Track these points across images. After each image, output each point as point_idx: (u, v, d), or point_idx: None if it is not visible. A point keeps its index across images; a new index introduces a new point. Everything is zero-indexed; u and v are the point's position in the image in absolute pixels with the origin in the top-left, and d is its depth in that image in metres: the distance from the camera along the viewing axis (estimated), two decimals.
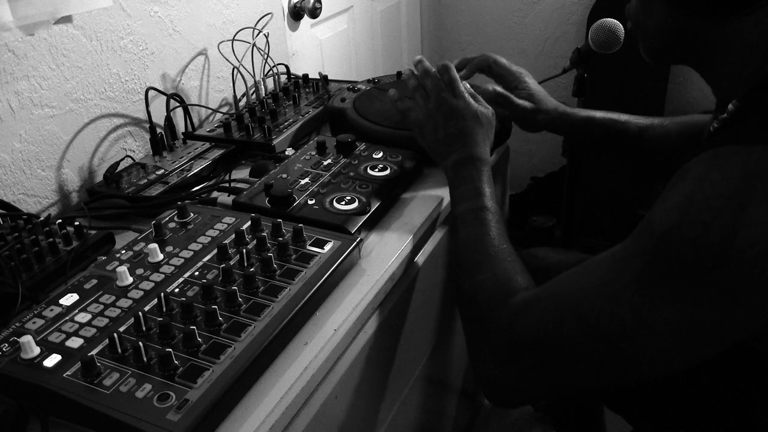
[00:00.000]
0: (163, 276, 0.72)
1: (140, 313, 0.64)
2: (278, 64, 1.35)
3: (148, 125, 1.12)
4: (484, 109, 0.90)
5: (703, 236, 0.53)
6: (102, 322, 0.66)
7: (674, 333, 0.56)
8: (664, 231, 0.56)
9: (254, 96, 1.28)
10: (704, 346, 0.57)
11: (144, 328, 0.64)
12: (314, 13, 1.60)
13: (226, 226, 0.81)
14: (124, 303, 0.68)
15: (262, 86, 1.28)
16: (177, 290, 0.70)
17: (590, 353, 0.60)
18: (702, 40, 0.66)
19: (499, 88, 1.02)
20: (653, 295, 0.56)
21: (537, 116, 1.05)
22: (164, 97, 1.15)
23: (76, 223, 0.85)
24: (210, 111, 1.32)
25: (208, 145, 1.11)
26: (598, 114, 1.08)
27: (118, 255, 0.77)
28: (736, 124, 0.62)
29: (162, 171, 1.02)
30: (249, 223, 0.80)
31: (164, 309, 0.66)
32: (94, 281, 0.72)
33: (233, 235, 0.78)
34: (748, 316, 0.55)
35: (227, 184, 1.01)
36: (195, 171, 1.03)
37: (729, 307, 0.54)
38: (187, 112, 1.21)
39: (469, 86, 0.93)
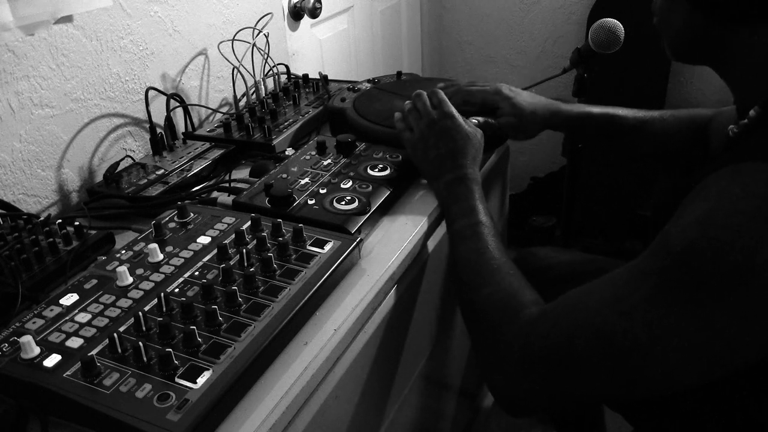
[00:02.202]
0: (163, 276, 0.72)
1: (140, 313, 0.64)
2: (278, 64, 1.35)
3: (148, 125, 1.12)
4: (473, 130, 0.92)
5: (723, 254, 0.52)
6: (102, 322, 0.66)
7: (688, 350, 0.55)
8: (682, 248, 0.55)
9: (254, 96, 1.28)
10: (718, 364, 0.57)
11: (144, 328, 0.64)
12: (314, 13, 1.60)
13: (226, 226, 0.81)
14: (124, 303, 0.68)
15: (262, 86, 1.28)
16: (177, 290, 0.70)
17: (602, 368, 0.60)
18: (725, 43, 0.65)
19: (475, 120, 1.00)
20: (668, 311, 0.55)
21: (526, 125, 1.04)
22: (164, 97, 1.15)
23: (76, 223, 0.85)
24: (210, 111, 1.32)
25: (208, 145, 1.11)
26: (596, 109, 1.08)
27: (118, 255, 0.77)
28: (756, 134, 0.61)
29: (162, 171, 1.02)
30: (249, 223, 0.80)
31: (164, 309, 0.66)
32: (94, 281, 0.72)
33: (233, 235, 0.78)
34: (765, 335, 0.55)
35: (227, 184, 1.01)
36: (195, 171, 1.03)
37: (746, 326, 0.54)
38: (187, 112, 1.21)
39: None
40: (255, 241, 0.76)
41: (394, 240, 0.84)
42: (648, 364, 0.57)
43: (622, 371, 0.59)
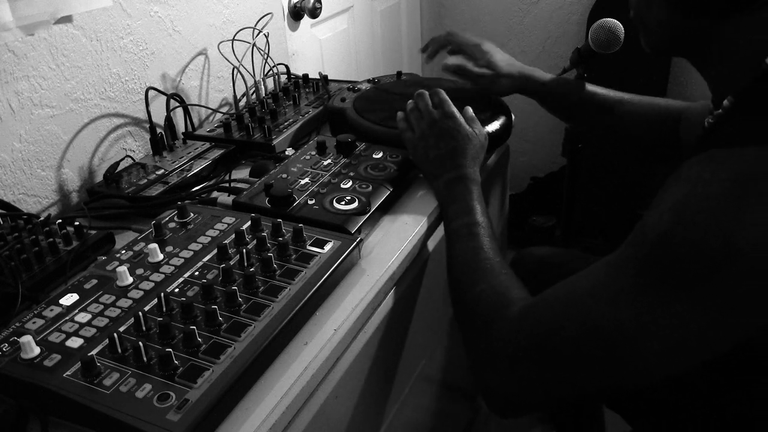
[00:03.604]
0: (163, 276, 0.72)
1: (140, 313, 0.64)
2: (278, 64, 1.35)
3: (148, 125, 1.12)
4: (477, 132, 0.93)
5: (701, 238, 0.53)
6: (102, 322, 0.66)
7: (674, 336, 0.56)
8: (659, 234, 0.55)
9: (254, 96, 1.28)
10: (705, 348, 0.57)
11: (144, 328, 0.64)
12: (314, 13, 1.60)
13: (226, 226, 0.81)
14: (124, 303, 0.68)
15: (262, 86, 1.28)
16: (177, 290, 0.70)
17: (589, 358, 0.60)
18: (701, 36, 0.66)
19: (452, 60, 1.10)
20: (651, 298, 0.56)
21: (499, 81, 1.10)
22: (164, 97, 1.15)
23: (76, 223, 0.85)
24: (210, 111, 1.32)
25: (208, 145, 1.11)
26: (571, 82, 1.12)
27: (118, 255, 0.76)
28: (729, 123, 0.62)
29: (162, 171, 1.02)
30: (249, 223, 0.80)
31: (164, 309, 0.66)
32: (94, 281, 0.72)
33: (233, 235, 0.78)
34: (751, 316, 0.55)
35: (227, 184, 1.01)
36: (195, 171, 1.03)
37: (730, 309, 0.54)
38: (187, 112, 1.21)
39: (471, 111, 0.96)
40: (255, 241, 0.76)
41: (394, 240, 0.84)
42: (635, 352, 0.57)
43: (609, 361, 0.59)
